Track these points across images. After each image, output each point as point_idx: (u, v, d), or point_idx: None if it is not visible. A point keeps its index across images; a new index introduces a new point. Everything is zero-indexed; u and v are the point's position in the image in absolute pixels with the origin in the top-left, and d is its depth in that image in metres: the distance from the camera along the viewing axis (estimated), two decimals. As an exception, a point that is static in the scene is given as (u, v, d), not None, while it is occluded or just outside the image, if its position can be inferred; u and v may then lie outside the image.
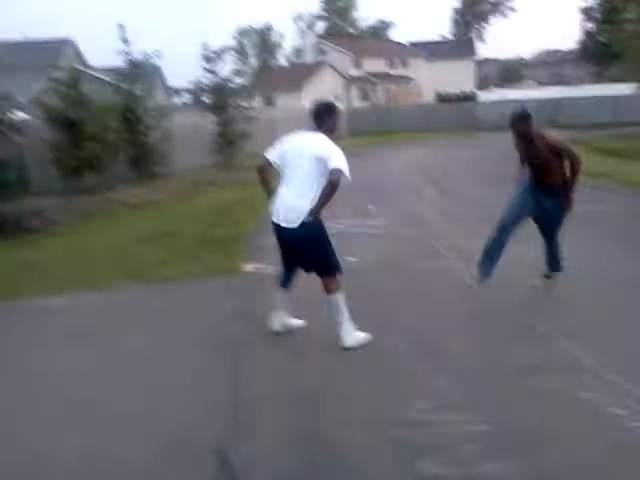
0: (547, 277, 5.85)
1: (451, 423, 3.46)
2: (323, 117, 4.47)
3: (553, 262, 5.77)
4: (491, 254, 5.66)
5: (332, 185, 4.19)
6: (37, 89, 19.84)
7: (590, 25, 54.20)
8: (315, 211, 4.29)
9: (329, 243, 4.54)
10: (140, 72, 16.17)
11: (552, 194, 5.43)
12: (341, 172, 4.20)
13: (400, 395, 3.84)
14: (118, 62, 16.08)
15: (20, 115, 14.62)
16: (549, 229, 5.64)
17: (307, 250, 4.51)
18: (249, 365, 4.42)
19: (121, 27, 15.56)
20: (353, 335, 4.58)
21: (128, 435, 3.56)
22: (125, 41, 15.79)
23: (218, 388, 4.05)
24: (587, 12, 54.83)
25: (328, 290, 4.53)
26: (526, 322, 4.98)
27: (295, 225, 4.35)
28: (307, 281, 4.83)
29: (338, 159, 4.23)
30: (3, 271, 7.48)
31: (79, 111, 13.20)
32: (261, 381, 4.14)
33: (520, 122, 5.29)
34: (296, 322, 4.99)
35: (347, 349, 4.52)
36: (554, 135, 5.49)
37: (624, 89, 33.48)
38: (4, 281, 6.94)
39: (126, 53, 15.86)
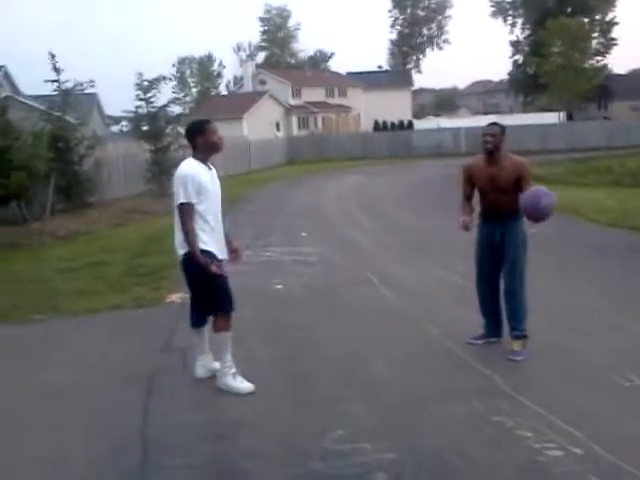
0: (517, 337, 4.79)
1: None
2: (193, 137, 4.30)
3: (515, 320, 4.81)
4: (488, 313, 5.01)
5: (180, 219, 4.16)
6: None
7: (518, 57, 56.96)
8: (187, 244, 4.16)
9: (216, 278, 4.18)
10: (72, 100, 15.93)
11: (507, 224, 4.74)
12: (179, 207, 4.13)
13: (317, 425, 3.81)
14: (52, 90, 15.82)
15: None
16: (508, 267, 4.79)
17: (190, 285, 4.39)
18: (163, 399, 4.30)
19: (52, 55, 15.40)
20: (229, 381, 4.32)
21: (35, 473, 3.42)
22: (56, 70, 15.59)
23: (130, 423, 3.93)
24: (516, 45, 57.63)
25: (215, 328, 4.32)
26: (451, 350, 5.04)
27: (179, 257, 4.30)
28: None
29: (177, 194, 4.15)
30: None
31: (6, 139, 12.83)
32: (174, 415, 4.03)
33: (493, 134, 4.63)
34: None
35: (220, 389, 4.32)
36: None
37: (550, 118, 35.07)
38: None
39: (57, 82, 15.64)
